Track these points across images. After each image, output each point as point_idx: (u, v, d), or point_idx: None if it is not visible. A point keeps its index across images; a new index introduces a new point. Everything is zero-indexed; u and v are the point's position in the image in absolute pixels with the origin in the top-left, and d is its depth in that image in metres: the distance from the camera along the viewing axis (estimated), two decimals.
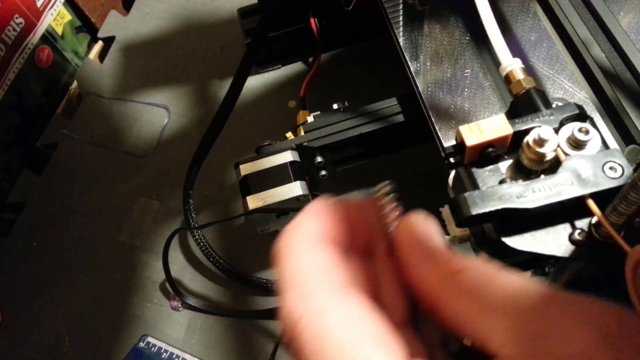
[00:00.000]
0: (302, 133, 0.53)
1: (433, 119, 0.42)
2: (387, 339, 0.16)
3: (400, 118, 0.52)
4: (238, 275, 0.57)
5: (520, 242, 0.30)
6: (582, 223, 0.30)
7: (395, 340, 0.16)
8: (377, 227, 0.20)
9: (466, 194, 0.29)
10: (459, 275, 0.17)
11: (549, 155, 0.30)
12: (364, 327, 0.16)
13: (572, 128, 0.30)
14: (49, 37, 0.73)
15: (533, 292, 0.15)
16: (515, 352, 0.14)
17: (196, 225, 0.58)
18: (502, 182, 0.31)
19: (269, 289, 0.57)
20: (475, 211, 0.29)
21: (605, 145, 0.31)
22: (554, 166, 0.30)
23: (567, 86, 0.41)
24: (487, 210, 0.29)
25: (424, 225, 0.19)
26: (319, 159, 0.53)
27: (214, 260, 0.57)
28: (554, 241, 0.29)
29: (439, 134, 0.41)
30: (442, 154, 0.37)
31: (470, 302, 0.16)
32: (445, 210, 0.42)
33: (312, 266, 0.17)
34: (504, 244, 0.30)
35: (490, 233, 0.31)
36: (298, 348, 0.16)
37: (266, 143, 0.54)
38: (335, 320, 0.16)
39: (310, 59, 0.70)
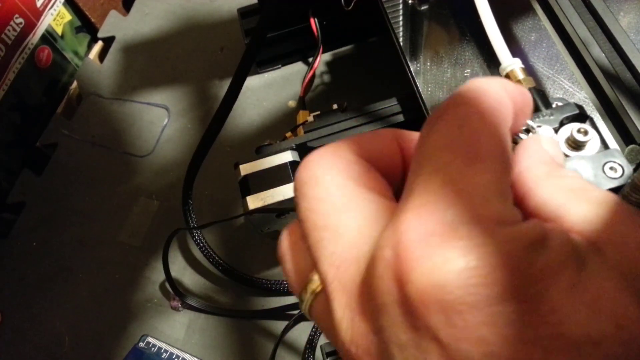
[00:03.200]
0: (302, 133, 0.53)
1: None
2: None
3: (400, 118, 0.52)
4: (238, 275, 0.57)
5: None
6: None
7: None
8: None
9: None
10: (563, 170, 0.20)
11: None
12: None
13: (570, 129, 0.30)
14: (48, 37, 0.73)
15: (618, 200, 0.18)
16: (588, 230, 0.17)
17: (196, 225, 0.58)
18: None
19: (268, 289, 0.57)
20: None
21: (605, 145, 0.31)
22: None
23: (567, 86, 0.41)
24: None
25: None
26: None
27: (214, 261, 0.57)
28: None
29: None
30: None
31: (565, 189, 0.18)
32: None
33: None
34: None
35: None
36: None
37: (266, 143, 0.54)
38: None
39: (310, 59, 0.70)
